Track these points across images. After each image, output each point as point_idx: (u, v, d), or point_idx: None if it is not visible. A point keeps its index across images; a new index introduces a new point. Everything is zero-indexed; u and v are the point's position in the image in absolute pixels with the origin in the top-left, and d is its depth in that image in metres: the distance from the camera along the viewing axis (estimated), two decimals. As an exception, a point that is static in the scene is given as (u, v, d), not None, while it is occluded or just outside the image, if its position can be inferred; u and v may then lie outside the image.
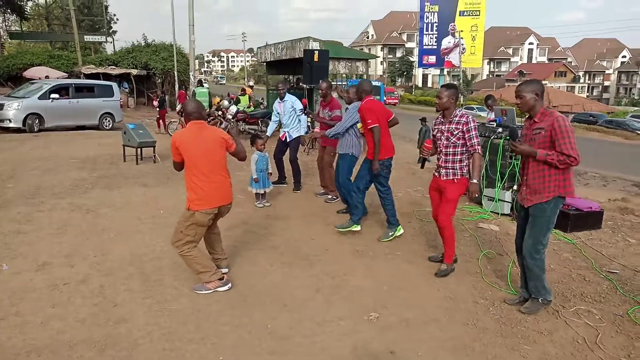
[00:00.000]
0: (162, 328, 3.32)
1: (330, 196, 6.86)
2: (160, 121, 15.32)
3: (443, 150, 4.34)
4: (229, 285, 3.92)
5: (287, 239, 5.28)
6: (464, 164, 4.30)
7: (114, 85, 17.15)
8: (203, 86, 16.78)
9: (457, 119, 4.24)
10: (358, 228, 5.40)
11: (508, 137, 6.33)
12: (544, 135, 3.45)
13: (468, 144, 4.20)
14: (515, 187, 6.50)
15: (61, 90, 15.04)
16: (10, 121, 13.89)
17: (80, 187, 7.18)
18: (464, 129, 4.19)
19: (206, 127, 3.87)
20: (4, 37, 37.13)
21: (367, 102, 5.19)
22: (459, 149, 4.26)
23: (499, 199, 6.57)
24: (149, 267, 4.30)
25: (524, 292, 3.85)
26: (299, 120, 7.31)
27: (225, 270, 4.14)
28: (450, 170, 4.32)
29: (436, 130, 4.43)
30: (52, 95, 14.59)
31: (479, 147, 4.24)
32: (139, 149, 9.22)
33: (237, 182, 7.56)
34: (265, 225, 5.70)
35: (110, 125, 16.20)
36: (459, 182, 4.31)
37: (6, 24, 38.79)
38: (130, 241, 4.93)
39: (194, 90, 16.37)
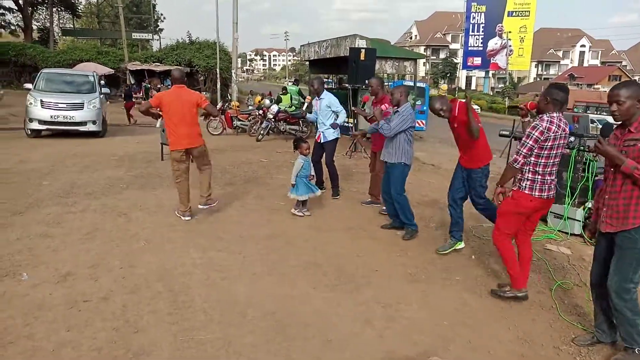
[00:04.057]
0: (188, 364, 2.85)
1: (384, 207, 6.18)
2: (130, 114, 15.77)
3: None
4: (189, 217, 5.45)
5: (330, 255, 4.74)
6: (525, 176, 3.64)
7: None
8: (295, 85, 18.68)
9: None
10: (462, 245, 5.04)
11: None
12: None
13: None
14: (589, 205, 5.75)
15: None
16: (94, 123, 11.25)
17: (115, 187, 6.90)
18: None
19: (185, 90, 5.28)
20: (58, 34, 38.53)
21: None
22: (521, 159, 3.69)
23: (568, 217, 5.82)
24: (178, 285, 3.85)
25: (600, 335, 3.26)
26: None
27: (202, 207, 5.56)
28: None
29: None
30: (104, 90, 12.28)
31: (519, 157, 3.58)
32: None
33: (277, 187, 7.14)
34: (306, 238, 5.19)
35: None
36: (511, 196, 3.79)
37: (60, 21, 40.25)
38: (160, 252, 4.52)
39: (284, 87, 16.84)
